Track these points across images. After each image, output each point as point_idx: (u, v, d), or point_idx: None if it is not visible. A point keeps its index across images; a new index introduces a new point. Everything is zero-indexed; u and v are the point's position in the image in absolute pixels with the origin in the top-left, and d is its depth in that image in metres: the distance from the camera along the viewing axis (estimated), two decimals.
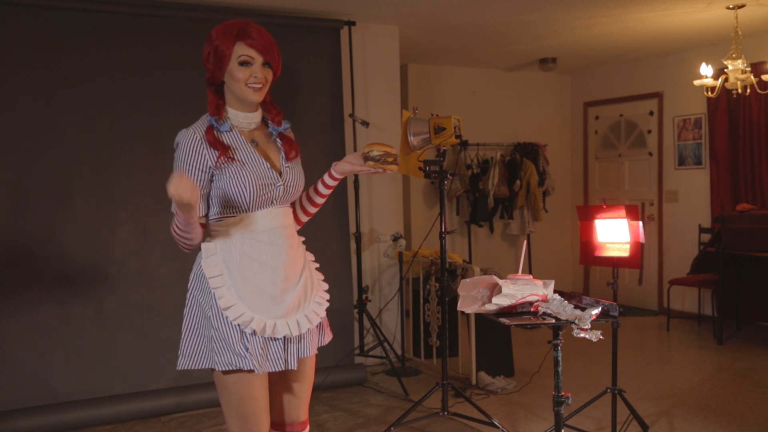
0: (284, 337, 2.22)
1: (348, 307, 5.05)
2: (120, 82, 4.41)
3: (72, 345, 4.25)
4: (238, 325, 2.17)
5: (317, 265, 2.44)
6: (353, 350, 5.07)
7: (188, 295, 2.29)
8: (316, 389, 4.68)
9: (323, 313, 2.36)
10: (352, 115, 5.18)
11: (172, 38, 4.52)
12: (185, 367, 2.26)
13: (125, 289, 4.38)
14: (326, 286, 2.43)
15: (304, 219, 2.49)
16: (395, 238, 5.40)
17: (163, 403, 4.37)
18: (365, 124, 5.14)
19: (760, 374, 5.04)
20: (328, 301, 2.40)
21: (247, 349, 2.16)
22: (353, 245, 5.17)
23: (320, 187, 2.44)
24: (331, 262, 4.98)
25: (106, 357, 4.32)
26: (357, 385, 4.92)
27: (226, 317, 2.17)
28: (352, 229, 5.18)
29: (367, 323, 5.30)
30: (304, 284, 2.31)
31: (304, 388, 2.41)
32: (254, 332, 2.17)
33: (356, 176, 5.10)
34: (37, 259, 4.18)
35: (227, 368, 2.17)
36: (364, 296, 5.14)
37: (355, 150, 5.22)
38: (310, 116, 4.97)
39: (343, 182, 5.05)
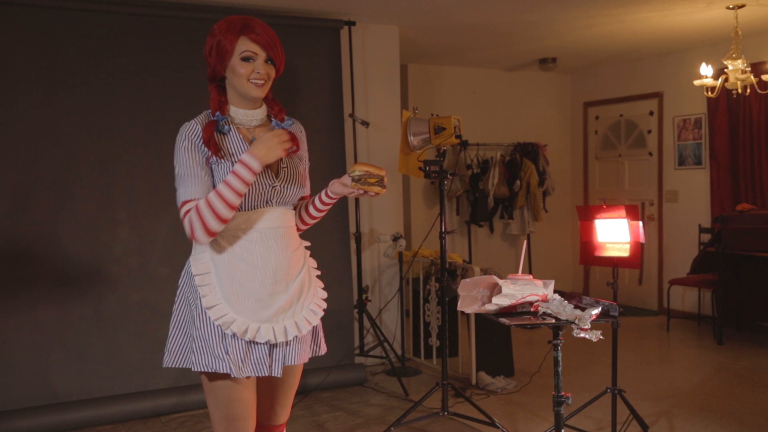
0: (268, 342, 2.16)
1: (348, 307, 5.05)
2: (120, 82, 4.40)
3: (72, 345, 4.25)
4: (220, 326, 2.12)
5: (318, 273, 2.38)
6: (353, 350, 5.07)
7: (178, 291, 2.25)
8: (316, 389, 4.69)
9: (316, 322, 2.28)
10: (352, 115, 5.18)
11: (172, 38, 4.52)
12: (170, 365, 2.22)
13: (125, 289, 4.38)
14: (324, 295, 2.35)
15: (302, 227, 2.43)
16: (395, 238, 5.40)
17: (163, 403, 4.37)
18: (365, 124, 5.14)
19: (760, 374, 5.04)
20: (324, 310, 2.32)
21: (226, 352, 2.11)
22: (353, 245, 5.17)
23: (317, 203, 2.37)
24: (331, 262, 4.99)
25: (106, 357, 4.32)
26: (357, 385, 4.92)
27: (209, 317, 2.13)
28: (352, 229, 5.18)
29: (367, 323, 5.30)
30: (298, 289, 2.23)
31: (284, 393, 2.34)
32: (234, 335, 2.12)
33: None
34: (37, 259, 4.18)
35: (204, 369, 2.12)
36: (364, 296, 5.14)
37: (354, 150, 5.22)
38: (310, 116, 4.97)
39: None
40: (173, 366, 2.21)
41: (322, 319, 2.35)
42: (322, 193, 2.35)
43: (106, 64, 4.38)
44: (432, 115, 4.24)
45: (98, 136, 4.36)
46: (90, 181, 4.33)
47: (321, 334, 2.39)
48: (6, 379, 4.09)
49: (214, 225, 2.07)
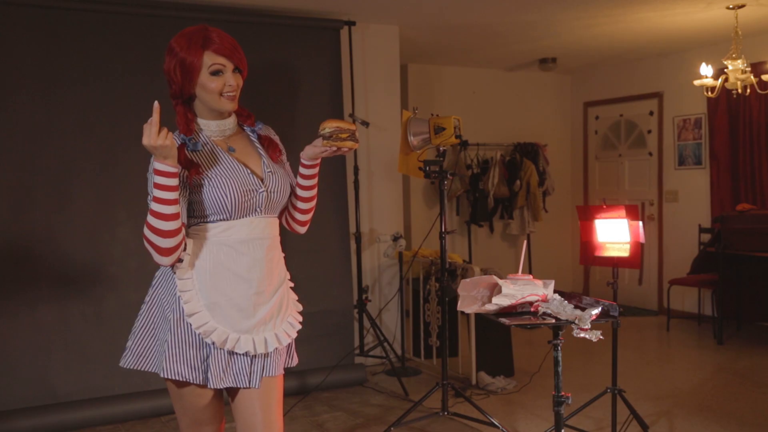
0: (247, 353, 2.13)
1: (348, 307, 5.05)
2: (120, 82, 4.40)
3: (72, 345, 4.25)
4: (199, 334, 2.08)
5: (292, 284, 2.34)
6: (353, 350, 5.07)
7: (150, 291, 2.19)
8: (316, 389, 4.68)
9: (294, 335, 2.26)
10: (352, 115, 5.18)
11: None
12: (130, 366, 2.17)
13: (125, 289, 4.38)
14: (300, 308, 2.33)
15: (301, 218, 2.36)
16: (395, 238, 5.40)
17: (163, 403, 4.36)
18: (365, 124, 5.14)
19: (760, 374, 5.04)
20: (300, 323, 2.29)
21: (205, 360, 2.09)
22: (353, 245, 5.16)
23: (300, 180, 2.29)
24: (331, 262, 4.99)
25: (106, 357, 4.32)
26: (357, 385, 4.92)
27: (189, 324, 2.09)
28: (352, 229, 5.17)
29: (367, 323, 5.30)
30: (279, 301, 2.21)
31: (271, 410, 2.20)
32: (213, 343, 2.09)
33: (356, 176, 5.09)
34: (37, 259, 4.18)
35: (175, 378, 2.08)
36: (364, 296, 5.14)
37: (354, 150, 5.22)
38: (310, 116, 4.97)
39: (342, 182, 5.05)
40: (134, 368, 2.17)
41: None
42: (299, 167, 2.28)
43: (106, 64, 4.37)
44: (432, 115, 4.24)
45: (98, 136, 4.35)
46: (90, 181, 4.33)
47: (293, 344, 2.35)
48: (6, 379, 4.09)
49: (164, 248, 2.01)
